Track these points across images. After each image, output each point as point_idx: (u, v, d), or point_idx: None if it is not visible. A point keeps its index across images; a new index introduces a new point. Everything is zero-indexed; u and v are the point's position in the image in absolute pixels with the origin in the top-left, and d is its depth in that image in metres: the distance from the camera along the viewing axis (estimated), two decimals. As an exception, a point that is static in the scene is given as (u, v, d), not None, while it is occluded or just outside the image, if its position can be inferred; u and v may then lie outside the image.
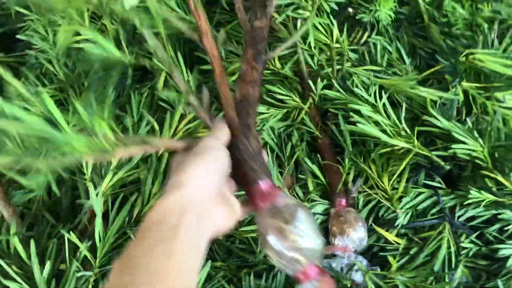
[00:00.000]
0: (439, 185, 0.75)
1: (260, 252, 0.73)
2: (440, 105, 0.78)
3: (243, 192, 0.56)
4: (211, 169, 0.49)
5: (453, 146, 0.72)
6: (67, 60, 0.87)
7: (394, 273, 0.68)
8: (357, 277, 0.70)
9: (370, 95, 0.78)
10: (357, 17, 0.91)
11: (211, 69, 0.59)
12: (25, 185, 0.45)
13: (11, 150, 0.47)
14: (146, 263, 0.40)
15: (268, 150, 0.79)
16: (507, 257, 0.71)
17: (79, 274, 0.64)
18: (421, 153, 0.73)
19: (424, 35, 0.93)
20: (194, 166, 0.48)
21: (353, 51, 0.90)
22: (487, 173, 0.71)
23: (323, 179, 0.77)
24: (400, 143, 0.72)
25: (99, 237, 0.66)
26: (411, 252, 0.72)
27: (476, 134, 0.73)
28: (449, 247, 0.71)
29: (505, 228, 0.73)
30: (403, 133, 0.74)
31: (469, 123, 0.76)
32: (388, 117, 0.75)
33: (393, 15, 0.90)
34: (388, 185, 0.74)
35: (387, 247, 0.73)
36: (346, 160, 0.76)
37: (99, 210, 0.67)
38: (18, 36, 0.89)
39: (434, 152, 0.74)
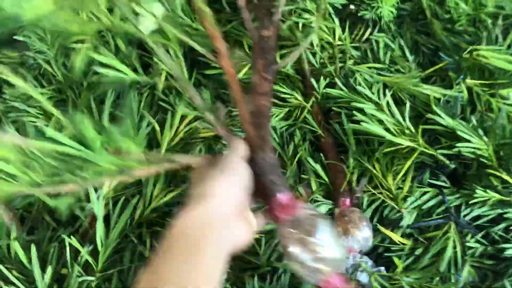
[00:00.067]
0: (444, 184, 0.74)
1: (263, 254, 0.72)
2: (444, 102, 0.77)
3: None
4: (235, 185, 0.50)
5: (458, 144, 0.71)
6: (65, 60, 0.86)
7: (400, 274, 0.67)
8: (363, 278, 0.69)
9: (373, 93, 0.77)
10: (359, 14, 0.90)
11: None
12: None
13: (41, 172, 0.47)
14: (174, 279, 0.41)
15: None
16: (514, 256, 0.70)
17: (80, 279, 0.63)
18: (425, 152, 0.72)
19: (427, 31, 0.92)
20: (219, 180, 0.49)
21: (356, 48, 0.89)
22: (493, 171, 0.70)
23: (326, 179, 0.76)
24: (405, 142, 0.71)
25: (101, 241, 0.65)
26: (417, 252, 0.71)
27: (480, 132, 0.72)
28: (454, 247, 0.70)
29: (511, 228, 0.72)
30: (407, 131, 0.73)
31: (474, 121, 0.75)
32: (392, 115, 0.75)
33: (395, 12, 0.89)
34: (393, 184, 0.73)
35: (392, 248, 0.72)
36: (350, 160, 0.75)
37: (100, 213, 0.66)
38: (15, 37, 0.88)
39: (439, 151, 0.73)
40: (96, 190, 0.68)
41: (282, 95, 0.81)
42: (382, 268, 0.70)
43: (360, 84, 0.78)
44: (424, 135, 0.75)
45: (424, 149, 0.72)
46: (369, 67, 0.84)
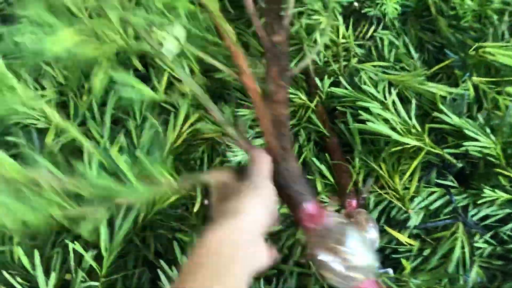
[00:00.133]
0: (451, 183, 0.73)
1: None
2: (450, 101, 0.76)
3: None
4: (262, 205, 0.50)
5: (465, 143, 0.70)
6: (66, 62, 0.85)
7: (408, 275, 0.66)
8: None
9: (378, 92, 0.76)
10: (362, 11, 0.89)
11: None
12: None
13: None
14: None
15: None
16: (523, 257, 0.69)
17: (85, 285, 0.62)
18: (432, 151, 0.71)
19: (432, 28, 0.91)
20: (248, 198, 0.49)
21: (360, 46, 0.88)
22: (500, 170, 0.69)
23: (332, 180, 0.75)
24: (411, 142, 0.70)
25: (105, 245, 0.64)
26: (424, 253, 0.70)
27: (488, 130, 0.71)
28: (463, 248, 0.69)
29: (520, 227, 0.71)
30: (413, 130, 0.72)
31: (481, 119, 0.74)
32: (398, 114, 0.74)
33: (399, 8, 0.88)
34: (400, 184, 0.72)
35: (399, 249, 0.71)
36: (356, 160, 0.74)
37: (104, 217, 0.65)
38: (15, 39, 0.86)
39: (445, 150, 0.72)
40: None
41: (286, 95, 0.80)
42: (390, 270, 0.69)
43: (365, 83, 0.77)
44: (431, 134, 0.74)
45: (430, 149, 0.71)
46: (374, 65, 0.83)
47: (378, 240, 0.70)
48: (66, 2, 0.49)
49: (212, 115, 0.59)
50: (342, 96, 0.78)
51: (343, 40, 0.85)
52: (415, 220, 0.72)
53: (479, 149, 0.70)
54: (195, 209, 0.75)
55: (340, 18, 0.84)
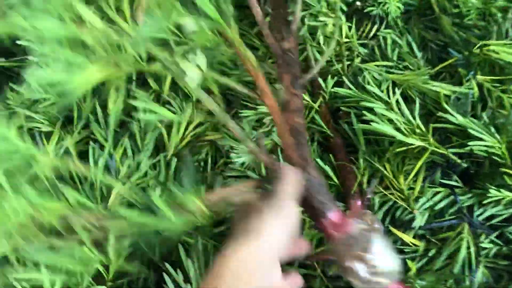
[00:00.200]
0: (456, 183, 0.73)
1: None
2: (454, 100, 0.76)
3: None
4: (285, 229, 0.50)
5: (470, 143, 0.70)
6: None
7: (413, 276, 0.66)
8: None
9: (382, 92, 0.75)
10: (365, 11, 0.88)
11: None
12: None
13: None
14: None
15: (279, 151, 0.77)
16: (529, 257, 0.69)
17: (91, 289, 0.62)
18: (437, 151, 0.71)
19: (435, 27, 0.90)
20: (272, 220, 0.49)
21: (363, 45, 0.88)
22: (506, 170, 0.69)
23: (336, 181, 0.75)
24: (416, 142, 0.70)
25: (113, 250, 0.64)
26: (430, 254, 0.70)
27: (492, 130, 0.71)
28: (468, 248, 0.69)
29: (526, 227, 0.71)
30: (418, 130, 0.72)
31: (485, 118, 0.73)
32: (402, 114, 0.73)
33: (402, 7, 0.87)
34: (404, 185, 0.72)
35: (404, 250, 0.71)
36: (361, 161, 0.74)
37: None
38: (18, 42, 0.86)
39: (450, 150, 0.72)
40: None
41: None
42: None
43: (368, 83, 0.76)
44: (435, 134, 0.74)
45: (435, 149, 0.70)
46: (377, 65, 0.82)
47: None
48: (85, 39, 0.49)
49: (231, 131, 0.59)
50: (345, 96, 0.78)
51: (346, 40, 0.84)
52: (420, 221, 0.71)
53: (484, 148, 0.70)
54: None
55: (343, 18, 0.84)
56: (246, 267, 0.45)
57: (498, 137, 0.70)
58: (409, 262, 0.68)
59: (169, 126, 0.76)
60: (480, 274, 0.68)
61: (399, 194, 0.72)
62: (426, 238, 0.72)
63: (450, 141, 0.74)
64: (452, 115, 0.72)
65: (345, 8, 0.83)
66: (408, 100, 0.78)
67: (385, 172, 0.73)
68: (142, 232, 0.52)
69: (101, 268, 0.63)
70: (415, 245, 0.71)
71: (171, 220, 0.50)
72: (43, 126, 0.78)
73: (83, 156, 0.72)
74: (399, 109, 0.73)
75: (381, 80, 0.78)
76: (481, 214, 0.71)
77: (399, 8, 0.87)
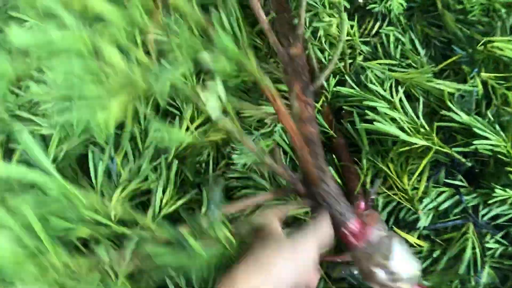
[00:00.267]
0: (460, 183, 0.72)
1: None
2: (458, 98, 0.75)
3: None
4: (298, 275, 0.50)
5: (474, 141, 0.69)
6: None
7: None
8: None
9: (385, 90, 0.74)
10: (367, 8, 0.87)
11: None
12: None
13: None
14: None
15: (281, 152, 0.76)
16: (535, 257, 0.68)
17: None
18: (441, 150, 0.70)
19: (438, 23, 0.89)
20: (288, 263, 0.49)
21: (365, 43, 0.87)
22: (511, 168, 0.68)
23: (339, 181, 0.74)
24: (420, 141, 0.69)
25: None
26: (434, 255, 0.69)
27: (497, 128, 0.70)
28: (473, 248, 0.68)
29: (532, 226, 0.70)
30: (421, 129, 0.71)
31: (490, 116, 0.72)
32: (405, 113, 0.72)
33: (404, 4, 0.86)
34: (408, 185, 0.71)
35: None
36: (364, 161, 0.73)
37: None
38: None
39: (454, 149, 0.71)
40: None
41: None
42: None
43: (371, 81, 0.75)
44: (439, 133, 0.73)
45: (439, 148, 0.69)
46: (380, 63, 0.81)
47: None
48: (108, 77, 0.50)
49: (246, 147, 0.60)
50: (348, 95, 0.77)
51: (348, 38, 0.83)
52: (424, 221, 0.71)
53: (489, 147, 0.69)
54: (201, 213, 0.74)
55: (345, 15, 0.83)
56: None
57: (503, 135, 0.69)
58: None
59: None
60: (486, 274, 0.67)
61: (403, 194, 0.71)
62: (431, 238, 0.71)
63: (455, 140, 0.73)
64: (456, 113, 0.71)
65: (347, 5, 0.82)
66: (411, 98, 0.77)
67: (388, 172, 0.72)
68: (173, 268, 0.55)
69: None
70: (419, 245, 0.70)
71: (203, 256, 0.52)
72: (42, 129, 0.77)
73: (82, 159, 0.71)
74: (403, 108, 0.73)
75: (383, 78, 0.77)
76: (486, 214, 0.70)
77: (401, 5, 0.86)
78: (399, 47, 0.85)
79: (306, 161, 0.60)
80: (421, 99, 0.73)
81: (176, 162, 0.73)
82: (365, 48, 0.86)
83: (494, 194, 0.67)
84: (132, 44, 0.53)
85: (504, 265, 0.69)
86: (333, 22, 0.79)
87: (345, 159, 0.76)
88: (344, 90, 0.77)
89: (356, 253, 0.59)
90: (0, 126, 0.77)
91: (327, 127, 0.78)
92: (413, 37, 0.86)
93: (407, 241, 0.70)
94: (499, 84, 0.76)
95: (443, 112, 0.72)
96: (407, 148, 0.70)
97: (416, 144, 0.69)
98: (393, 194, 0.72)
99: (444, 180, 0.73)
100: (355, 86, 0.77)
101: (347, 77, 0.79)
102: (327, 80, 0.79)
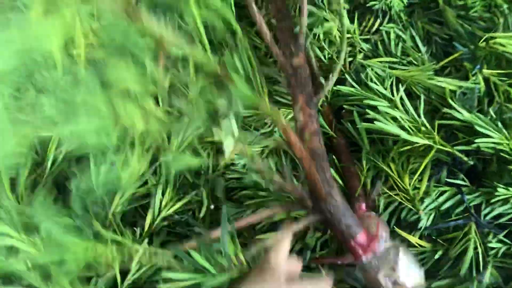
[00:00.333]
0: (462, 182, 0.71)
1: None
2: (459, 95, 0.74)
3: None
4: None
5: (476, 139, 0.68)
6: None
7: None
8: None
9: (386, 89, 0.74)
10: (367, 5, 0.86)
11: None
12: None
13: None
14: None
15: (281, 152, 0.76)
16: (538, 256, 0.68)
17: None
18: (442, 149, 0.69)
19: (440, 20, 0.87)
20: None
21: (365, 40, 0.86)
22: (514, 167, 0.67)
23: (340, 182, 0.74)
24: (421, 141, 0.68)
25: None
26: (436, 255, 0.69)
27: (500, 125, 0.69)
28: (476, 248, 0.67)
29: (535, 225, 0.69)
30: (423, 128, 0.70)
31: (492, 114, 0.71)
32: (406, 111, 0.71)
33: (405, 1, 0.85)
34: (410, 185, 0.70)
35: (411, 251, 0.70)
36: (364, 161, 0.72)
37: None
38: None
39: (456, 147, 0.70)
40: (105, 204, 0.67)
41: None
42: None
43: (371, 80, 0.74)
44: (440, 131, 0.72)
45: (441, 147, 0.69)
46: (380, 61, 0.80)
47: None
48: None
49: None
50: (348, 94, 0.76)
51: (348, 35, 0.82)
52: (426, 221, 0.70)
53: (491, 145, 0.68)
54: (201, 215, 0.74)
55: (344, 13, 0.82)
56: None
57: (505, 132, 0.68)
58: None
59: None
60: (489, 274, 0.66)
61: (404, 194, 0.70)
62: (433, 238, 0.71)
63: (456, 138, 0.72)
64: (458, 111, 0.70)
65: (347, 6, 0.81)
66: (412, 96, 0.76)
67: (389, 172, 0.71)
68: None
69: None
70: (421, 246, 0.70)
71: (216, 279, 0.54)
72: (42, 131, 0.77)
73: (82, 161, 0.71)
74: (403, 106, 0.72)
75: (384, 76, 0.76)
76: (488, 213, 0.69)
77: (402, 1, 0.85)
78: (400, 44, 0.84)
79: (314, 177, 0.60)
80: (422, 97, 0.73)
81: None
82: (365, 46, 0.85)
83: (497, 193, 0.66)
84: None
85: (507, 265, 0.68)
86: (333, 27, 0.78)
87: (346, 160, 0.75)
88: (344, 89, 0.76)
89: (363, 264, 0.60)
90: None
91: (327, 127, 0.77)
92: (414, 34, 0.85)
93: (409, 242, 0.70)
94: (501, 81, 0.75)
95: (445, 110, 0.71)
96: (408, 147, 0.69)
97: (417, 143, 0.69)
98: (395, 195, 0.71)
99: (446, 179, 0.72)
100: (355, 85, 0.76)
101: (347, 76, 0.78)
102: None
